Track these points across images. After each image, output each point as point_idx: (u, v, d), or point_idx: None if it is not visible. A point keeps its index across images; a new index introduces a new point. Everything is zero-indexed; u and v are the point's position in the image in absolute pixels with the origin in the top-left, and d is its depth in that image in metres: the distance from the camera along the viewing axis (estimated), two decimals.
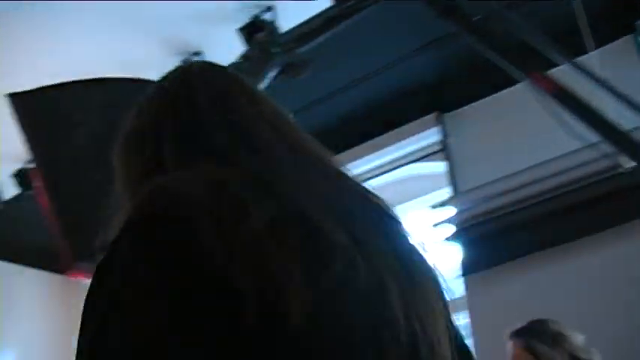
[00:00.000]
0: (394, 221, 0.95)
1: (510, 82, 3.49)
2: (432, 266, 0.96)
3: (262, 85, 3.28)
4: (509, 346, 2.48)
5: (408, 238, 0.95)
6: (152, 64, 3.51)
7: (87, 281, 0.79)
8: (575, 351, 2.39)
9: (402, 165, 4.59)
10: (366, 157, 4.58)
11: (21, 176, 4.65)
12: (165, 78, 1.05)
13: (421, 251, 0.95)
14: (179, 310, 0.70)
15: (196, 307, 0.71)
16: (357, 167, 4.65)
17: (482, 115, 4.13)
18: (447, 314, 0.95)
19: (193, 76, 1.02)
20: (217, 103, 0.96)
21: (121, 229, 0.78)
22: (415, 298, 0.86)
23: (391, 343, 0.80)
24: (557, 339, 2.41)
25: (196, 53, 3.77)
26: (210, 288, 0.71)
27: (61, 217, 2.45)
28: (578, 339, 2.44)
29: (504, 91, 3.98)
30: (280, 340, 0.72)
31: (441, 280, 0.96)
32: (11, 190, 4.85)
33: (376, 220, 0.92)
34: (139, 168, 0.96)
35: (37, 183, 2.79)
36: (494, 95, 4.07)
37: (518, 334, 2.49)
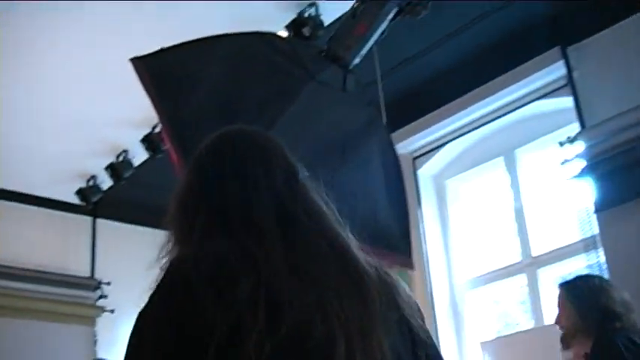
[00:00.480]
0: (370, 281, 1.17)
1: (633, 10, 3.32)
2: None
3: (381, 27, 3.24)
4: None
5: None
6: (267, 19, 3.61)
7: None
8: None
9: (526, 103, 4.48)
10: (489, 98, 4.50)
11: (149, 141, 4.87)
12: (205, 148, 1.31)
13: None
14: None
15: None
16: (480, 108, 4.58)
17: (606, 46, 3.97)
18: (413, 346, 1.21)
19: (225, 152, 1.28)
20: (237, 182, 1.23)
21: (155, 286, 1.15)
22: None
23: None
24: None
25: (311, 5, 3.80)
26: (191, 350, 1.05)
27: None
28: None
29: (628, 20, 3.81)
30: None
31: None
32: (141, 156, 5.10)
33: (349, 284, 1.15)
34: (178, 229, 1.27)
35: (166, 143, 2.93)
36: (618, 24, 3.88)
37: None
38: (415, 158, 5.08)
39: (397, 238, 2.94)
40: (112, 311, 5.68)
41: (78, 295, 5.61)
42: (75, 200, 5.55)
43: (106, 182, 5.43)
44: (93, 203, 5.51)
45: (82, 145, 5.03)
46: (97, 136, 4.90)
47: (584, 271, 3.61)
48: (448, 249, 4.94)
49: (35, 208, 5.67)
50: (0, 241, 5.40)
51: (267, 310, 1.04)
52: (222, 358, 1.02)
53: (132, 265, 5.99)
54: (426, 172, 5.13)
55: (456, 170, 5.10)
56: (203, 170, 1.28)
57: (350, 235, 1.25)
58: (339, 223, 1.25)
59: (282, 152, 1.30)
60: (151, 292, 1.14)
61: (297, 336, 1.04)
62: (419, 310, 1.31)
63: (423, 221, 4.88)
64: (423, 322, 1.31)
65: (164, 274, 1.15)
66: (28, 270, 5.42)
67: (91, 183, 5.46)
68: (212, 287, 1.05)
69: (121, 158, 5.15)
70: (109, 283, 5.74)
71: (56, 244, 5.80)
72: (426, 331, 1.29)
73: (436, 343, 1.34)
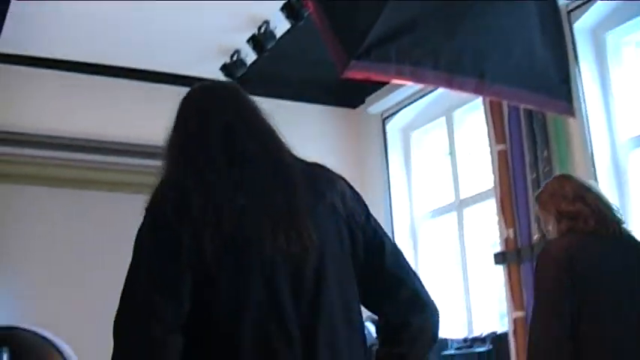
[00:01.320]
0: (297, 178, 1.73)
1: None
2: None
3: None
4: None
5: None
6: None
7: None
8: None
9: None
10: None
11: (290, 8, 4.74)
12: (180, 101, 1.87)
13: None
14: (151, 248, 1.58)
15: (161, 246, 1.56)
16: None
17: None
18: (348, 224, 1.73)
19: (189, 102, 1.87)
20: (195, 122, 1.79)
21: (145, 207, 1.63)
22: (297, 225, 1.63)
23: (280, 266, 1.57)
24: None
25: None
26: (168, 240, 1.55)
27: (334, 28, 2.50)
28: None
29: None
30: (200, 268, 1.53)
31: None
32: (283, 26, 4.99)
33: (278, 186, 1.68)
34: (164, 160, 1.75)
35: (309, 4, 2.85)
36: None
37: None
38: (571, 11, 4.65)
39: (556, 83, 2.72)
40: None
41: None
42: (220, 77, 5.60)
43: (249, 56, 5.42)
44: (237, 79, 5.53)
45: (222, 19, 5.00)
46: (236, 8, 4.85)
47: None
48: (609, 108, 4.60)
49: (181, 88, 5.79)
50: (151, 123, 5.60)
51: (215, 217, 1.56)
52: (191, 256, 1.53)
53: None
54: (583, 25, 4.67)
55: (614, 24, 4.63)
56: (177, 117, 1.83)
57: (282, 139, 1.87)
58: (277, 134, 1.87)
59: (236, 94, 1.87)
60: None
61: (236, 230, 1.57)
62: (356, 194, 1.85)
63: (580, 77, 4.54)
64: (361, 205, 1.82)
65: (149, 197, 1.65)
66: (148, 146, 5.50)
67: (234, 58, 5.46)
68: (174, 208, 1.57)
69: (262, 30, 5.08)
70: None
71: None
72: (361, 214, 1.79)
73: (375, 225, 1.82)
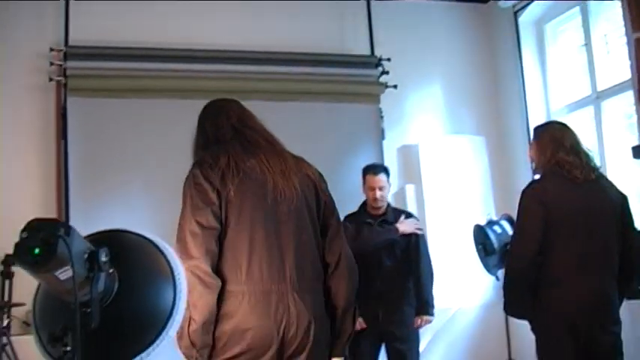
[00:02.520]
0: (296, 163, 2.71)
1: None
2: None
3: None
4: None
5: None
6: None
7: None
8: None
9: None
10: None
11: None
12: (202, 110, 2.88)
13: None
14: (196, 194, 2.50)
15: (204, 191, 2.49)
16: None
17: None
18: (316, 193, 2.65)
19: (215, 109, 2.87)
20: (219, 124, 2.76)
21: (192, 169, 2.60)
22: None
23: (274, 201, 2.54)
24: None
25: None
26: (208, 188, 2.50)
27: None
28: None
29: None
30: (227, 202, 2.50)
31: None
32: None
33: (275, 154, 2.68)
34: (199, 143, 2.77)
35: None
36: None
37: None
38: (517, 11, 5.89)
39: None
40: (395, 87, 5.86)
41: (360, 74, 5.77)
42: None
43: None
44: None
45: None
46: None
47: None
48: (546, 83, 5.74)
49: None
50: (277, 28, 5.77)
51: (234, 168, 2.52)
52: (221, 191, 2.49)
53: (410, 39, 6.13)
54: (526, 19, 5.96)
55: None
56: (200, 121, 2.84)
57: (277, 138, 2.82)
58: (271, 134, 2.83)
59: (237, 105, 2.91)
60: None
61: (249, 175, 2.53)
62: (324, 181, 2.76)
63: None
64: (325, 187, 2.73)
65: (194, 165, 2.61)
66: (307, 54, 5.67)
67: None
68: (211, 167, 2.53)
69: None
70: (389, 59, 5.84)
71: (334, 26, 5.98)
72: (325, 190, 2.72)
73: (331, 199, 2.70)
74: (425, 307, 4.42)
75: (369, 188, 4.43)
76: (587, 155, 3.40)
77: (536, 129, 3.59)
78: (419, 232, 4.46)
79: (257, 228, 2.47)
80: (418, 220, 4.68)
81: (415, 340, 4.48)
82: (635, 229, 3.52)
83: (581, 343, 3.26)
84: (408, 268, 4.45)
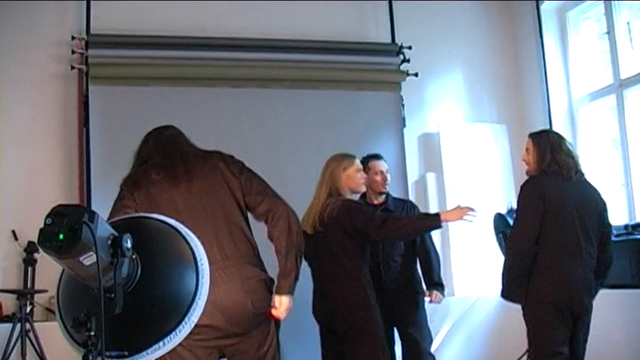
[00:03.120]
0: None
1: None
2: None
3: None
4: None
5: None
6: None
7: None
8: None
9: None
10: None
11: None
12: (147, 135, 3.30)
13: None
14: None
15: None
16: None
17: None
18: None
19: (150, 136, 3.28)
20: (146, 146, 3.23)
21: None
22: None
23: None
24: None
25: None
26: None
27: None
28: None
29: None
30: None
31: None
32: None
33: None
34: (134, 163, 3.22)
35: None
36: None
37: None
38: None
39: None
40: (416, 75, 5.83)
41: (381, 62, 5.74)
42: None
43: None
44: None
45: None
46: None
47: None
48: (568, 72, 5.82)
49: None
50: (298, 15, 5.74)
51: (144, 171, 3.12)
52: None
53: (432, 27, 6.09)
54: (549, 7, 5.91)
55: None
56: (140, 144, 3.25)
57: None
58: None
59: (173, 131, 3.30)
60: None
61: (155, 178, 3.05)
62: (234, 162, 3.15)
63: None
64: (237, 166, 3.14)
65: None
66: (328, 42, 5.65)
67: None
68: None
69: None
70: (410, 47, 5.81)
71: (355, 13, 5.95)
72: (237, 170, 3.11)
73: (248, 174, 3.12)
74: (435, 285, 4.40)
75: (375, 173, 4.38)
76: (578, 159, 3.88)
77: (533, 136, 3.97)
78: (469, 219, 3.88)
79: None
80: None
81: (425, 323, 4.44)
82: (610, 224, 3.96)
83: (568, 326, 3.68)
84: (412, 252, 4.43)
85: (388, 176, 4.47)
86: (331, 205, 3.81)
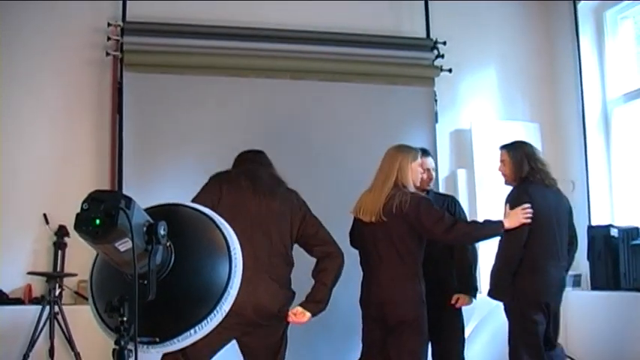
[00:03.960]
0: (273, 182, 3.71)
1: None
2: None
3: None
4: None
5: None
6: None
7: None
8: None
9: None
10: None
11: None
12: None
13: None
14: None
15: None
16: None
17: None
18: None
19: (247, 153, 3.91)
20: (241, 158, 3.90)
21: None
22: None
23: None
24: None
25: None
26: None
27: None
28: None
29: None
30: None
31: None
32: None
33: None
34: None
35: None
36: None
37: None
38: None
39: None
40: (450, 70, 5.79)
41: (415, 57, 5.69)
42: None
43: None
44: None
45: None
46: None
47: None
48: (604, 72, 5.82)
49: None
50: (333, 8, 5.70)
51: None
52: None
53: (467, 23, 6.04)
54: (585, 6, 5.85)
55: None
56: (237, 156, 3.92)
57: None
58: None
59: (265, 157, 3.86)
60: None
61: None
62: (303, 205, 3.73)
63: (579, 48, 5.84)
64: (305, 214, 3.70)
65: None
66: (362, 35, 5.62)
67: None
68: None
69: None
70: (444, 43, 5.76)
71: (390, 8, 5.91)
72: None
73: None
74: (465, 289, 4.37)
75: (423, 170, 4.33)
76: (549, 167, 4.23)
77: (507, 148, 4.26)
78: (528, 219, 3.97)
79: None
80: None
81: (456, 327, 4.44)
82: (575, 229, 4.34)
83: (546, 321, 4.05)
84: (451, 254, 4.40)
85: (434, 174, 4.46)
86: (399, 197, 3.81)
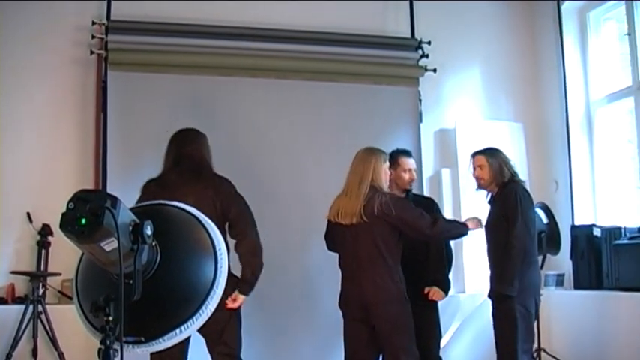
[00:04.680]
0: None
1: None
2: None
3: None
4: None
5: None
6: None
7: None
8: None
9: None
10: None
11: None
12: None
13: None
14: None
15: None
16: None
17: None
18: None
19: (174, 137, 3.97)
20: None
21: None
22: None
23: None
24: None
25: None
26: None
27: None
28: None
29: None
30: None
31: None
32: None
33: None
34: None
35: None
36: None
37: None
38: None
39: None
40: (435, 70, 5.80)
41: (400, 56, 5.70)
42: None
43: None
44: None
45: None
46: None
47: None
48: (587, 72, 5.89)
49: None
50: (318, 7, 5.68)
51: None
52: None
53: (451, 23, 6.06)
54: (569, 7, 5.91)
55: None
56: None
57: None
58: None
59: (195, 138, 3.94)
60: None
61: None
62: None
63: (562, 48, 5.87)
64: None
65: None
66: (347, 34, 5.62)
67: None
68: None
69: None
70: (429, 43, 5.77)
71: (375, 7, 5.91)
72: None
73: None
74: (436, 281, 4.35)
75: (404, 170, 4.37)
76: None
77: (486, 154, 4.36)
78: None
79: None
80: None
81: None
82: None
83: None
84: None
85: (415, 175, 4.48)
86: (379, 198, 3.87)
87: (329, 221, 4.06)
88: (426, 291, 4.26)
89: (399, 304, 3.85)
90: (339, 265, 4.05)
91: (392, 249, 3.90)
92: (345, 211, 3.92)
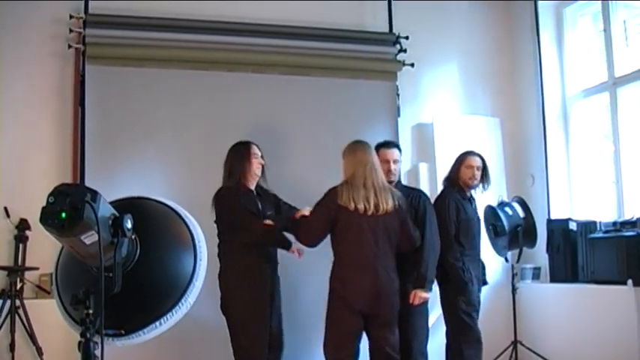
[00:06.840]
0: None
1: None
2: None
3: None
4: None
5: None
6: None
7: None
8: None
9: None
10: None
11: None
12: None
13: None
14: None
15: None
16: None
17: None
18: None
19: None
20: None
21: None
22: None
23: None
24: None
25: None
26: None
27: None
28: None
29: None
30: None
31: None
32: None
33: None
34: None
35: None
36: None
37: None
38: None
39: None
40: (412, 65, 5.83)
41: (377, 51, 5.74)
42: None
43: None
44: None
45: None
46: None
47: None
48: (563, 66, 6.00)
49: None
50: (296, 2, 5.68)
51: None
52: None
53: (429, 18, 6.09)
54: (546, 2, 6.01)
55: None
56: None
57: None
58: None
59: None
60: None
61: None
62: None
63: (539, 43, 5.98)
64: None
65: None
66: (325, 29, 5.63)
67: None
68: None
69: None
70: (407, 38, 5.81)
71: (353, 2, 5.91)
72: None
73: None
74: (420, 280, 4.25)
75: (383, 161, 4.32)
76: None
77: (480, 156, 4.65)
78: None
79: None
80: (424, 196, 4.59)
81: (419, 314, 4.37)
82: None
83: None
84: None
85: (397, 165, 4.44)
86: (395, 194, 4.03)
87: (338, 208, 3.91)
88: (411, 300, 4.18)
89: (397, 297, 3.99)
90: (346, 253, 3.95)
91: (397, 243, 4.03)
92: (367, 200, 3.90)
